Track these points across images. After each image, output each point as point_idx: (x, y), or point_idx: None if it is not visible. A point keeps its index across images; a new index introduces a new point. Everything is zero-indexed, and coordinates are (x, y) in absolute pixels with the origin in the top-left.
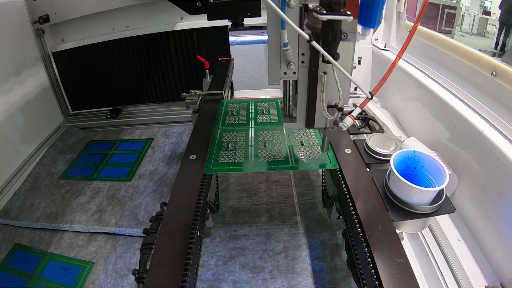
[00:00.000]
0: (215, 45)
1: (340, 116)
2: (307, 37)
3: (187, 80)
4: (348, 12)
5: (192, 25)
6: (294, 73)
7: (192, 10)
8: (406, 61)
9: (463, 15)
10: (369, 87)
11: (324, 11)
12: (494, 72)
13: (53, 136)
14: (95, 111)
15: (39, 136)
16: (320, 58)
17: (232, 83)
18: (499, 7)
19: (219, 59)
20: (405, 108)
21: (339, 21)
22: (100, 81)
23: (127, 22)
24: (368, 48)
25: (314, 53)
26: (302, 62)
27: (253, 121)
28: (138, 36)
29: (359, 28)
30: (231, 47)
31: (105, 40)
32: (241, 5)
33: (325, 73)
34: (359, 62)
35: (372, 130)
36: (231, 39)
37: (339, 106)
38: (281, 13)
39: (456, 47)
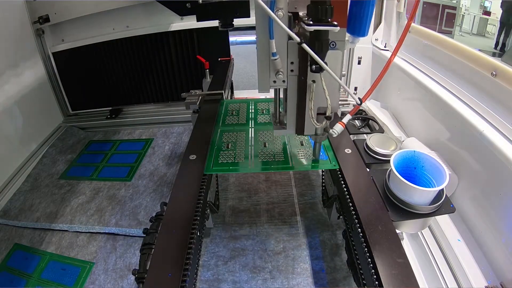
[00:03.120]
0: (215, 45)
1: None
2: (298, 39)
3: (187, 80)
4: (335, 22)
5: (192, 25)
6: (284, 81)
7: (182, 11)
8: (406, 61)
9: (463, 15)
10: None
11: (311, 22)
12: (494, 72)
13: (53, 136)
14: (95, 111)
15: (39, 136)
16: (309, 68)
17: (232, 83)
18: (501, 7)
19: (219, 59)
20: (405, 108)
21: (326, 31)
22: (100, 81)
23: (127, 22)
24: (368, 48)
25: (303, 62)
26: (292, 70)
27: (253, 121)
28: (138, 36)
29: (348, 36)
30: (231, 47)
31: (105, 40)
32: (230, 5)
33: (314, 81)
34: (359, 62)
35: (372, 130)
36: (231, 39)
37: (327, 115)
38: (273, 14)
39: (456, 47)
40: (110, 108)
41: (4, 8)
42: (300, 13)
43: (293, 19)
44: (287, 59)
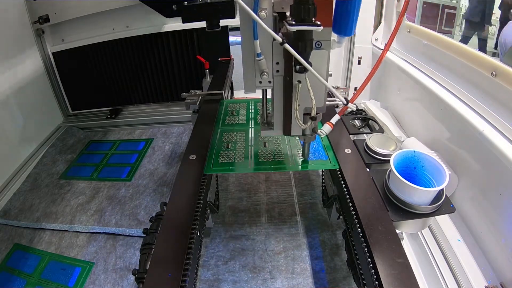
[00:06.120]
0: (215, 45)
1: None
2: (280, 40)
3: (187, 80)
4: (318, 22)
5: (192, 25)
6: (269, 82)
7: (168, 13)
8: (406, 61)
9: (463, 15)
10: (368, 86)
11: (293, 22)
12: (494, 72)
13: (53, 136)
14: (95, 111)
15: (39, 136)
16: (294, 68)
17: (232, 83)
18: (499, 8)
19: (219, 59)
20: (405, 108)
21: (310, 30)
22: (100, 81)
23: (127, 22)
24: (368, 48)
25: (288, 62)
26: (277, 71)
27: (253, 121)
28: (138, 36)
29: (335, 36)
30: (231, 47)
31: (105, 40)
32: (215, 6)
33: (299, 82)
34: (359, 62)
35: (372, 130)
36: (231, 39)
37: (311, 115)
38: (254, 14)
39: (456, 47)
40: (110, 108)
41: (4, 8)
42: (287, 14)
43: (280, 20)
44: (273, 60)
